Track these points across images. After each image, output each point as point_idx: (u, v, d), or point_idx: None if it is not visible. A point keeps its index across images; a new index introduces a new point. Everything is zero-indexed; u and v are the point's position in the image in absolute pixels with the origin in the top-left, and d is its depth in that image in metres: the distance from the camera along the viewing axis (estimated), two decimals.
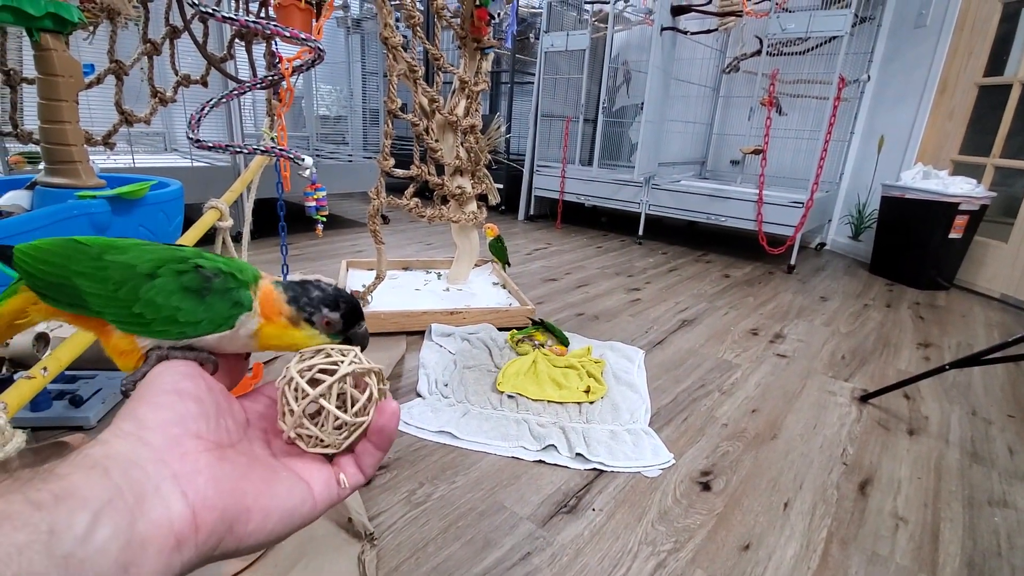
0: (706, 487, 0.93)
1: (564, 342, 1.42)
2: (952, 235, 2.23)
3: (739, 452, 1.04)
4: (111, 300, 0.29)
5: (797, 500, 0.91)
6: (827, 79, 2.49)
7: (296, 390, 0.29)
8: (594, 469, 0.96)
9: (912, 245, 2.37)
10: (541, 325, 1.46)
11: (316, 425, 0.29)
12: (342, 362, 0.30)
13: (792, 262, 2.51)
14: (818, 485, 0.96)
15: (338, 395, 0.29)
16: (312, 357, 0.30)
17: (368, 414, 0.30)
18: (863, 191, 2.87)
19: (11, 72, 1.18)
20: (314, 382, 0.29)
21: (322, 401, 0.29)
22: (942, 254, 2.30)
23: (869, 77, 2.80)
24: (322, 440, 0.29)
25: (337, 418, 0.29)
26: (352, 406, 0.29)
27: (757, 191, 2.53)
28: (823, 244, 3.12)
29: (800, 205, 2.43)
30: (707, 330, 1.68)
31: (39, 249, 0.31)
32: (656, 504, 0.88)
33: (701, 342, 1.58)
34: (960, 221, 2.21)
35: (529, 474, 0.94)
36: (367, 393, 0.30)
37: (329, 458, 0.31)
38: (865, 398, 1.28)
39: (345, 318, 0.33)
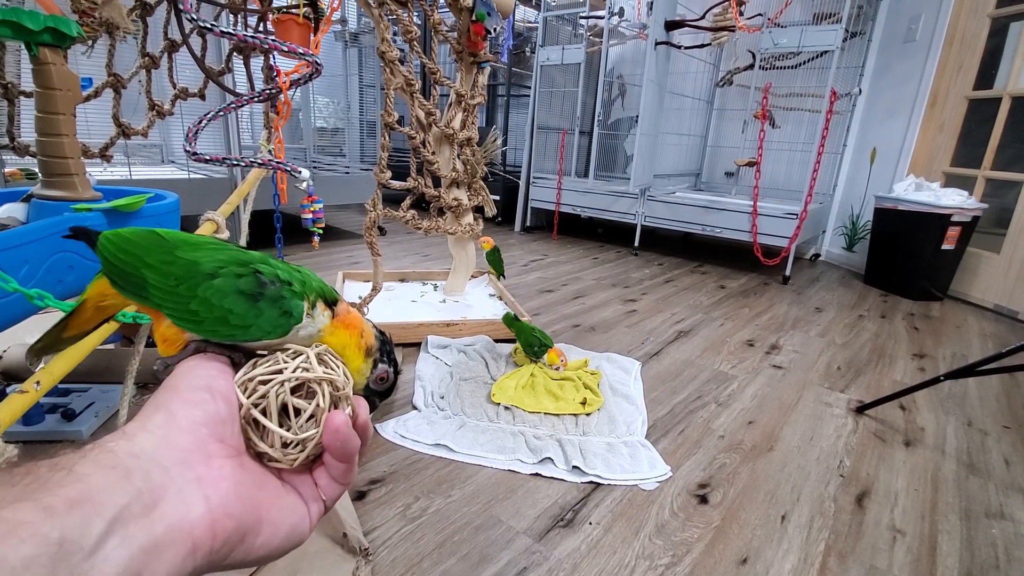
0: (703, 500, 0.93)
1: (540, 349, 1.34)
2: (945, 246, 2.25)
3: (736, 464, 1.04)
4: (171, 295, 0.30)
5: (794, 513, 0.91)
6: (819, 92, 2.52)
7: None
8: (591, 482, 0.96)
9: (905, 256, 2.38)
10: (517, 325, 1.38)
11: (264, 440, 0.27)
12: (286, 369, 0.28)
13: (787, 273, 2.52)
14: (815, 497, 0.96)
15: (283, 406, 0.27)
16: (262, 363, 0.29)
17: (318, 426, 0.27)
18: (856, 202, 2.89)
19: (9, 85, 1.18)
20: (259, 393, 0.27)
21: (255, 414, 0.27)
22: (935, 265, 2.31)
23: (861, 90, 2.83)
24: (272, 456, 0.27)
25: (281, 433, 0.27)
26: (296, 418, 0.27)
27: (752, 203, 2.55)
28: (818, 255, 3.14)
29: (794, 216, 2.45)
30: (703, 341, 1.69)
31: (121, 237, 0.32)
32: (653, 517, 0.88)
33: (697, 353, 1.58)
34: (952, 232, 2.22)
35: (525, 487, 0.94)
36: (314, 403, 0.27)
37: (310, 468, 0.29)
38: (861, 409, 1.29)
39: (388, 387, 0.37)
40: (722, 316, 1.96)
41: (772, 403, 1.30)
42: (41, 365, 1.16)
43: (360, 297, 1.55)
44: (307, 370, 0.28)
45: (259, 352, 0.30)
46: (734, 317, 1.96)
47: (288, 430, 0.27)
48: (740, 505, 0.92)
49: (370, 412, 0.35)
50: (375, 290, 1.52)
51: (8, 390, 1.03)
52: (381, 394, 0.37)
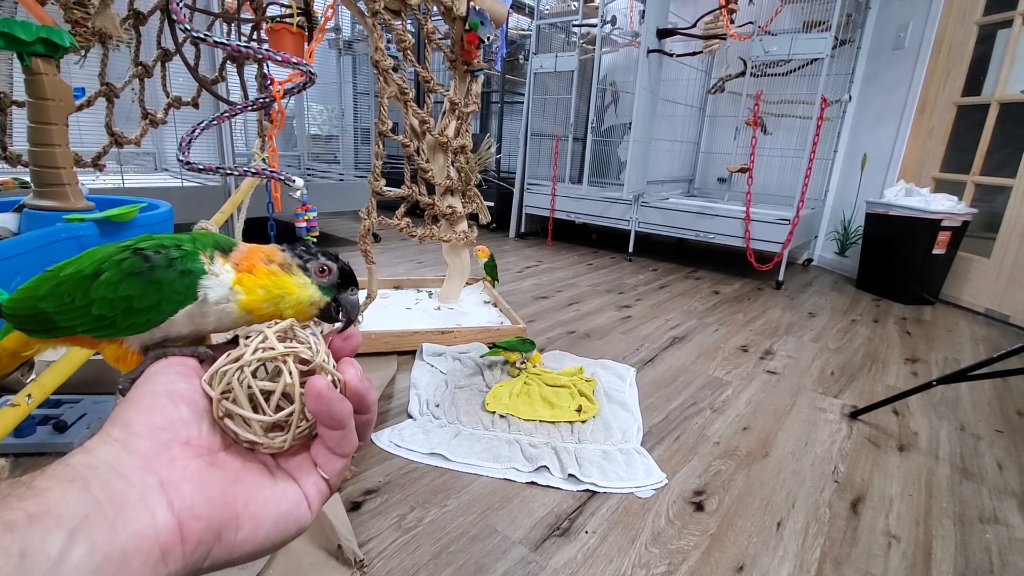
0: (699, 507, 0.93)
1: (520, 348, 1.36)
2: (936, 251, 2.27)
3: (731, 471, 1.04)
4: (72, 312, 0.29)
5: (790, 519, 0.91)
6: (810, 99, 2.54)
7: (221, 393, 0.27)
8: (587, 490, 0.95)
9: (897, 261, 2.40)
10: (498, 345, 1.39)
11: (248, 430, 0.26)
12: (245, 353, 0.27)
13: (780, 278, 2.54)
14: (810, 504, 0.96)
15: (253, 391, 0.26)
16: (224, 355, 0.28)
17: (293, 402, 0.27)
18: (848, 208, 2.92)
19: (1, 96, 1.17)
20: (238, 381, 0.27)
21: (228, 405, 0.26)
22: (927, 269, 2.33)
23: (851, 97, 2.86)
24: (260, 443, 0.27)
25: (256, 418, 0.26)
26: (268, 401, 0.26)
27: (744, 208, 2.57)
28: (810, 260, 3.16)
29: (787, 222, 2.47)
30: (698, 347, 1.69)
31: (17, 291, 0.32)
32: (649, 525, 0.88)
33: (692, 359, 1.59)
34: (943, 237, 2.25)
35: (521, 496, 0.93)
36: (281, 381, 0.26)
37: (308, 448, 0.28)
38: (855, 414, 1.29)
39: (342, 273, 0.33)
40: (716, 322, 1.97)
41: (766, 409, 1.30)
42: (32, 376, 1.15)
43: None
44: (267, 349, 0.27)
45: (229, 354, 0.29)
46: (728, 323, 1.96)
47: (264, 412, 0.26)
48: (736, 512, 0.92)
49: (354, 317, 0.33)
50: (370, 298, 1.52)
51: None
52: (342, 285, 0.33)
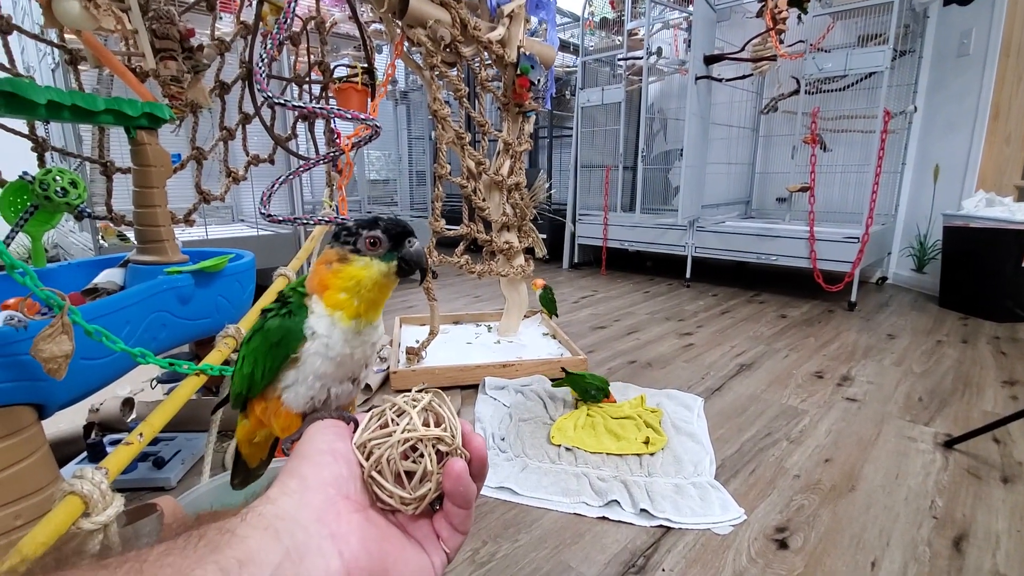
0: (783, 545, 0.89)
1: (597, 393, 1.33)
2: None
3: (815, 506, 0.99)
4: (243, 377, 0.36)
5: (885, 559, 0.85)
6: (871, 113, 2.46)
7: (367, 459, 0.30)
8: (660, 526, 0.93)
9: (983, 276, 2.24)
10: (569, 378, 1.37)
11: (387, 495, 0.30)
12: (395, 431, 0.30)
13: (853, 299, 2.41)
14: (907, 542, 0.89)
15: (399, 462, 0.29)
16: (369, 423, 0.31)
17: (431, 480, 0.29)
18: (922, 222, 2.76)
19: (108, 163, 1.32)
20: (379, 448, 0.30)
21: (375, 474, 0.29)
22: (1018, 284, 2.16)
23: (916, 108, 2.75)
24: (396, 507, 0.30)
25: (399, 493, 0.29)
26: (410, 480, 0.29)
27: (808, 228, 2.48)
28: (884, 278, 2.99)
29: (856, 240, 2.36)
30: (767, 374, 1.63)
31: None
32: (730, 564, 0.84)
33: (762, 387, 1.53)
34: None
35: (593, 532, 0.92)
36: (422, 466, 0.29)
37: (433, 509, 0.31)
38: (950, 443, 1.20)
39: (389, 234, 0.33)
40: (785, 347, 1.89)
41: (849, 439, 1.23)
42: (132, 414, 1.25)
43: (417, 341, 1.59)
44: (413, 430, 0.30)
45: (368, 420, 0.32)
46: (799, 348, 1.88)
47: (404, 487, 0.29)
48: (824, 550, 0.87)
49: (422, 267, 0.35)
50: (432, 334, 1.56)
51: (104, 440, 1.11)
52: (398, 241, 0.33)
